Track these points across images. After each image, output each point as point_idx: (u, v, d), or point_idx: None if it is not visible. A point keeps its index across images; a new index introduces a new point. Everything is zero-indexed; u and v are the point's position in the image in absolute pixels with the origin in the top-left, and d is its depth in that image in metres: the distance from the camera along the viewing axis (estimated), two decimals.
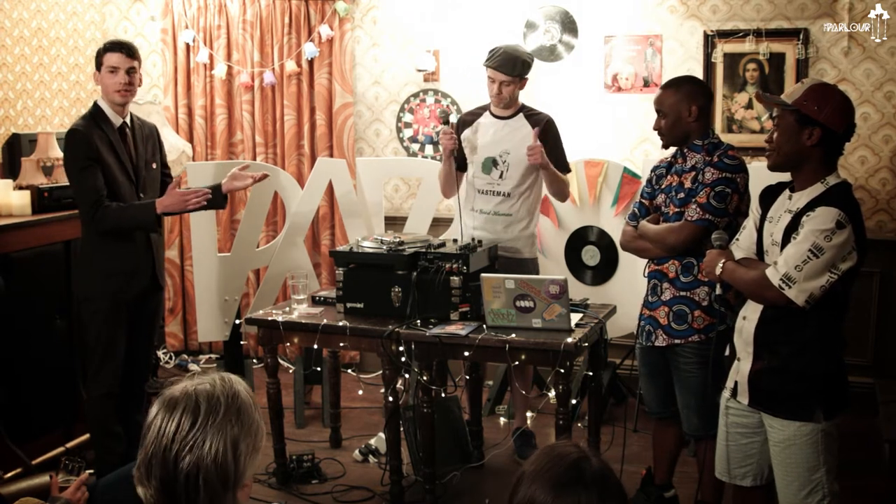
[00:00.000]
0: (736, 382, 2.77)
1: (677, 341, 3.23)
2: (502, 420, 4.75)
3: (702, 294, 3.20)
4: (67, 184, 4.53)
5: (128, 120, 3.74)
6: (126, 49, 3.68)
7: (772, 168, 2.71)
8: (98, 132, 3.62)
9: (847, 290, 2.60)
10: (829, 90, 2.62)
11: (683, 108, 3.24)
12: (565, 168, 4.15)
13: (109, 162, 3.63)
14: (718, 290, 2.90)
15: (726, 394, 2.83)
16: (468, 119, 4.22)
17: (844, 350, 2.69)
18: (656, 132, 3.38)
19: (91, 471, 2.99)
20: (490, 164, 4.08)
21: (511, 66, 3.97)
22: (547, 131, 4.05)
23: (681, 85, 3.34)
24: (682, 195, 3.21)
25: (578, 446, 1.48)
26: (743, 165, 3.20)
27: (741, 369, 2.75)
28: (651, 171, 3.47)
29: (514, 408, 4.44)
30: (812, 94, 2.58)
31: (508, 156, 4.04)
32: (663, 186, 3.33)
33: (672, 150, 3.39)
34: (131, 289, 3.70)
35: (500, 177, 4.06)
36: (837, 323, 2.64)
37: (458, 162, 4.19)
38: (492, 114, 4.14)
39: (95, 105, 3.70)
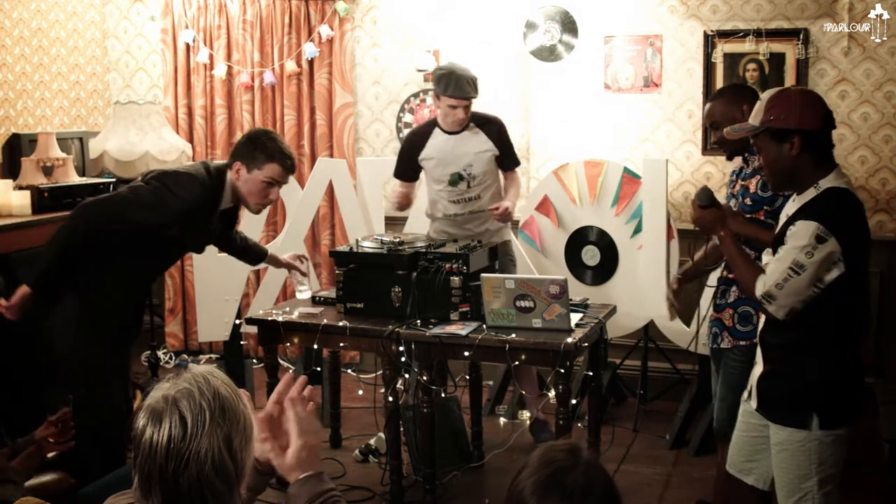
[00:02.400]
0: (750, 385, 2.78)
1: (742, 343, 3.17)
2: (502, 420, 4.75)
3: None
4: (67, 184, 4.57)
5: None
6: (293, 166, 3.49)
7: (777, 191, 2.70)
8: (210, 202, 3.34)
9: (847, 301, 2.51)
10: (785, 95, 2.57)
11: (736, 113, 3.15)
12: (516, 162, 4.41)
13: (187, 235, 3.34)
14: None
15: (745, 395, 2.84)
16: (418, 140, 4.29)
17: (854, 361, 2.60)
18: (716, 146, 3.33)
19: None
20: (457, 178, 4.24)
21: (471, 89, 4.12)
22: (501, 135, 4.27)
23: (724, 92, 3.36)
24: (748, 200, 3.14)
25: (574, 452, 1.48)
26: None
27: (754, 373, 2.75)
28: (731, 176, 3.41)
29: (525, 390, 4.45)
30: (773, 106, 2.53)
31: (471, 167, 4.22)
32: (734, 192, 3.26)
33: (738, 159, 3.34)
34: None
35: (468, 186, 4.25)
36: (840, 331, 2.55)
37: (409, 174, 4.39)
38: (442, 130, 4.24)
39: (221, 178, 3.35)
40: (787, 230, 2.49)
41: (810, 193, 2.53)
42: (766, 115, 2.54)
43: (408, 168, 4.35)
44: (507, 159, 4.32)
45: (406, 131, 5.49)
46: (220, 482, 1.52)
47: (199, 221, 3.31)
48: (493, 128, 4.25)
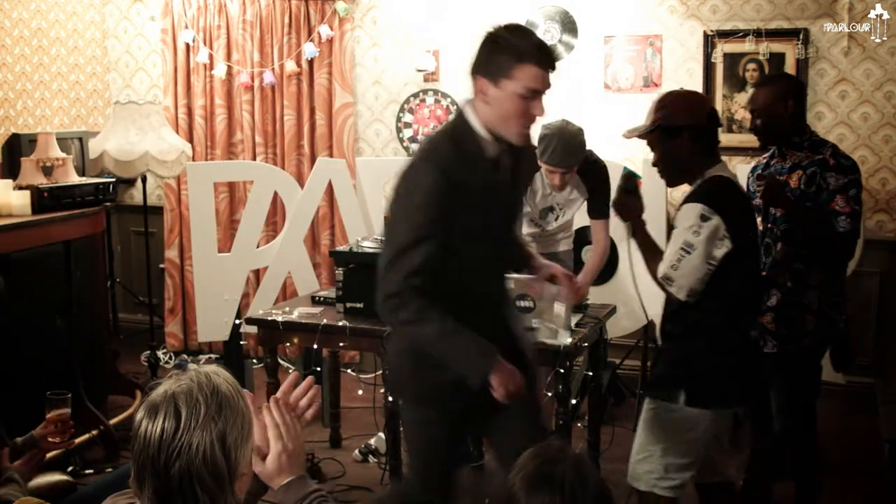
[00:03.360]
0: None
1: (788, 347, 3.18)
2: None
3: (811, 297, 3.16)
4: (67, 184, 4.56)
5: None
6: (552, 61, 2.51)
7: (671, 185, 2.84)
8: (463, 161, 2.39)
9: (736, 281, 2.60)
10: (670, 95, 2.76)
11: (779, 105, 3.15)
12: (602, 213, 3.84)
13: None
14: None
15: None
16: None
17: (742, 344, 2.71)
18: (752, 133, 3.33)
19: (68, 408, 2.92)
20: (547, 211, 4.01)
21: (574, 159, 3.71)
22: (596, 182, 3.85)
23: (774, 80, 3.34)
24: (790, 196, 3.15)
25: (561, 448, 1.50)
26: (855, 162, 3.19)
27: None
28: (749, 174, 3.41)
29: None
30: (663, 106, 2.71)
31: (561, 206, 3.97)
32: (759, 188, 3.21)
33: (766, 151, 3.34)
34: None
35: (556, 219, 4.01)
36: (726, 316, 2.64)
37: None
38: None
39: (461, 115, 2.42)
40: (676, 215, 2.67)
41: (696, 185, 2.70)
42: (656, 115, 2.73)
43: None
44: (594, 205, 3.86)
45: (406, 131, 5.49)
46: (211, 478, 1.53)
47: (468, 188, 2.35)
48: (593, 174, 3.86)
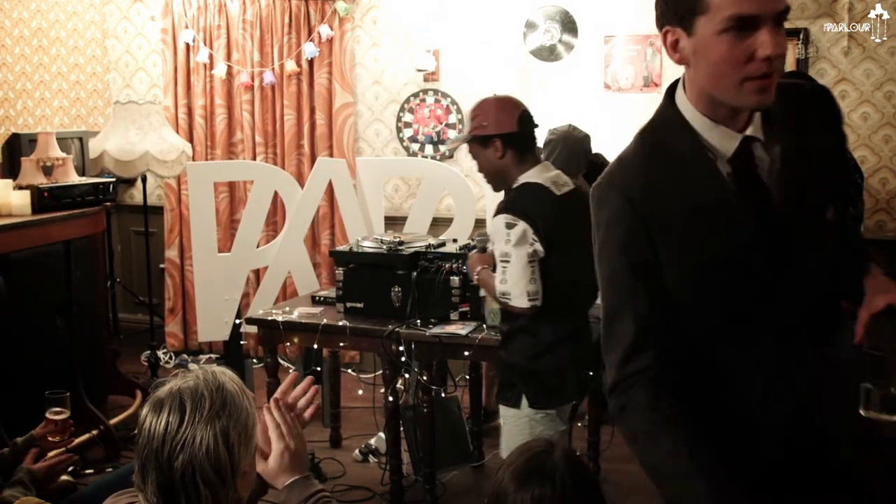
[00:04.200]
0: None
1: None
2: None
3: None
4: (67, 184, 4.56)
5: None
6: None
7: (496, 191, 2.93)
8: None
9: (553, 280, 2.72)
10: (482, 104, 2.85)
11: None
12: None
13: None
14: None
15: None
16: None
17: (569, 345, 2.81)
18: None
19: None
20: None
21: (576, 168, 3.75)
22: None
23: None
24: None
25: (549, 442, 1.54)
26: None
27: None
28: None
29: None
30: (476, 115, 2.86)
31: None
32: None
33: None
34: None
35: None
36: (546, 318, 2.75)
37: None
38: None
39: (672, 103, 1.57)
40: None
41: (508, 193, 2.84)
42: (471, 125, 2.83)
43: None
44: None
45: (406, 131, 5.49)
46: (213, 472, 1.55)
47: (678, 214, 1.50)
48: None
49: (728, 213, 1.46)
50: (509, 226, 2.68)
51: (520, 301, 2.71)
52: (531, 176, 2.79)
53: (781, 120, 1.49)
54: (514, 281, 2.70)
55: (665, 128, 1.55)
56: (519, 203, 2.73)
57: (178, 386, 1.59)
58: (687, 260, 1.48)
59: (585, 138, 3.76)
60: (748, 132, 1.47)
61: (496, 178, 2.88)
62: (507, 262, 2.70)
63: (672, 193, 1.49)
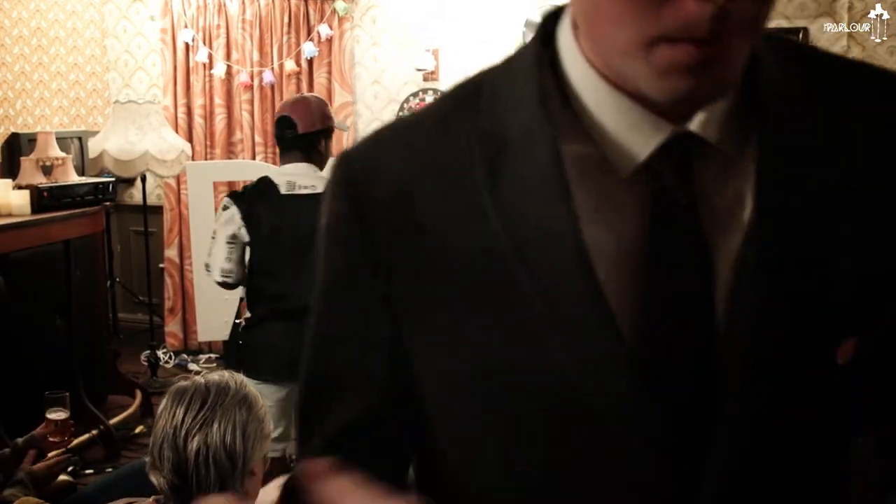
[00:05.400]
0: None
1: None
2: None
3: None
4: (67, 183, 4.56)
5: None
6: None
7: None
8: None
9: (252, 269, 3.02)
10: (292, 102, 3.23)
11: None
12: None
13: None
14: None
15: None
16: None
17: (279, 324, 3.03)
18: None
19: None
20: None
21: None
22: None
23: None
24: None
25: None
26: None
27: None
28: None
29: None
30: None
31: None
32: None
33: None
34: None
35: None
36: (251, 298, 3.13)
37: None
38: None
39: (550, 42, 0.77)
40: None
41: None
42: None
43: None
44: None
45: None
46: (226, 458, 1.59)
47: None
48: None
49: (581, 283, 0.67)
50: (224, 208, 3.00)
51: (214, 275, 3.05)
52: (274, 172, 3.10)
53: (818, 128, 0.73)
54: (214, 256, 3.03)
55: (502, 86, 0.80)
56: (242, 193, 3.06)
57: (202, 378, 1.67)
58: (456, 362, 0.71)
59: None
60: (692, 126, 0.67)
61: None
62: (214, 238, 3.04)
63: (453, 219, 0.72)
